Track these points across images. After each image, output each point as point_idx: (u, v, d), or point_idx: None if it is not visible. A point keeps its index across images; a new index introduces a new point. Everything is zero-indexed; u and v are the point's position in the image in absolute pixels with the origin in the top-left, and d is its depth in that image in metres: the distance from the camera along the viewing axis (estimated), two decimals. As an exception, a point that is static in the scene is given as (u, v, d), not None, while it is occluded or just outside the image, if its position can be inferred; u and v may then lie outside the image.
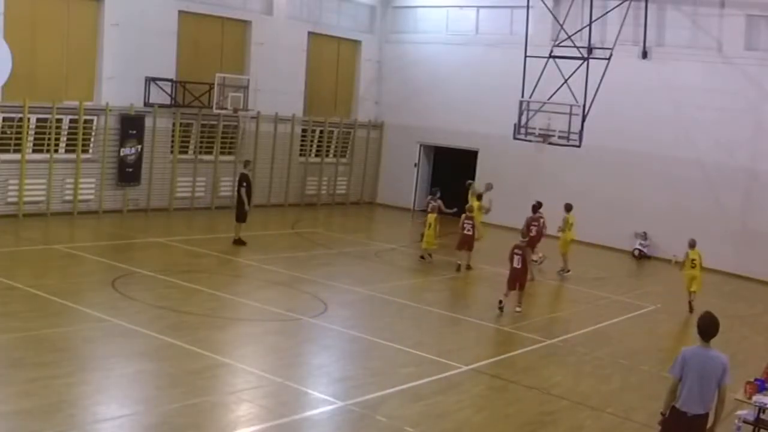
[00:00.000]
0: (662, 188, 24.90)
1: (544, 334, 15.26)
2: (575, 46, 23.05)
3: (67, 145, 22.52)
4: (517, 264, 16.27)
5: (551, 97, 23.15)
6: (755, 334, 17.10)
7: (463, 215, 20.62)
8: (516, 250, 16.40)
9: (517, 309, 16.36)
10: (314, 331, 14.00)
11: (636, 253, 25.17)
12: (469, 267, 20.51)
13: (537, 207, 21.02)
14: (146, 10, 23.52)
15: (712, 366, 7.71)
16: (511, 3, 27.16)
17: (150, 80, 23.86)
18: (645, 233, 25.22)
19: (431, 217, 20.93)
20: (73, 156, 22.51)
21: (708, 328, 7.81)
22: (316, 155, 29.77)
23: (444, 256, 22.19)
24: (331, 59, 30.05)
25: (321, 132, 29.68)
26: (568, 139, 22.52)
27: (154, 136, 24.28)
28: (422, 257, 21.21)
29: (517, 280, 16.29)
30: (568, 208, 21.45)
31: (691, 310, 18.19)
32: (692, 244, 18.69)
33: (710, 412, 7.91)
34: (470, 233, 20.20)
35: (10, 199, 21.35)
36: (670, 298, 19.77)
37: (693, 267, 18.44)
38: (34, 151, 21.84)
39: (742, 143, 23.53)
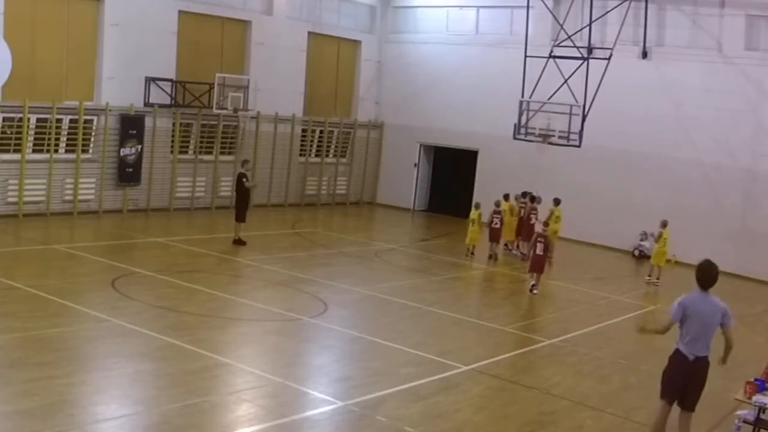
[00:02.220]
0: (662, 188, 24.90)
1: (544, 334, 15.26)
2: (575, 46, 23.06)
3: (67, 145, 22.53)
4: (539, 251, 17.89)
5: (551, 97, 23.15)
6: (755, 334, 17.08)
7: (492, 210, 22.25)
8: (539, 239, 18.11)
9: (534, 291, 17.98)
10: (314, 331, 13.99)
11: (636, 253, 25.15)
12: (495, 257, 22.18)
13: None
14: (146, 10, 23.53)
15: (712, 311, 7.84)
16: (511, 3, 27.16)
17: (150, 80, 23.86)
18: (648, 233, 25.14)
19: (475, 213, 22.20)
20: (73, 156, 22.52)
21: (707, 275, 7.88)
22: (316, 155, 29.78)
23: (446, 256, 22.22)
24: (331, 59, 30.05)
25: (321, 132, 29.68)
26: (568, 139, 22.55)
27: (154, 136, 24.29)
28: (471, 253, 22.20)
29: (539, 265, 17.91)
30: (557, 202, 22.98)
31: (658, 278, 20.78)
32: (665, 224, 20.99)
33: (710, 354, 7.98)
34: (498, 227, 22.04)
35: (10, 199, 21.35)
36: (670, 298, 19.75)
37: (664, 245, 20.75)
38: (34, 151, 21.84)
39: (742, 143, 23.53)
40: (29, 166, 21.61)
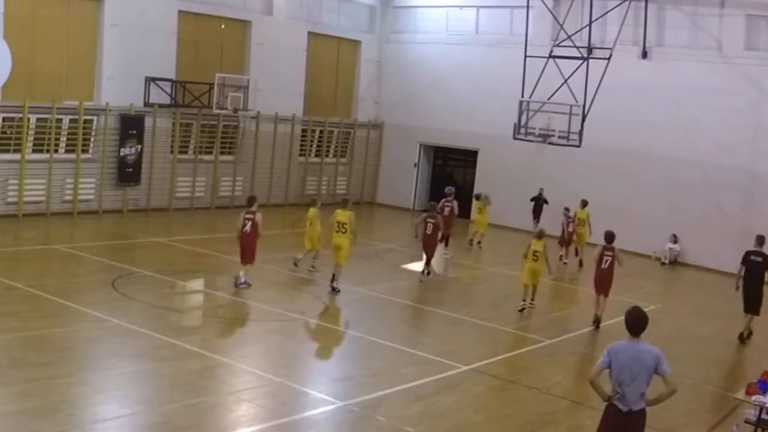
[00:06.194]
0: (662, 188, 24.88)
1: (544, 334, 15.25)
2: (575, 46, 23.04)
3: (67, 145, 22.52)
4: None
5: (551, 97, 23.13)
6: (755, 334, 17.06)
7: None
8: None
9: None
10: (314, 331, 13.99)
11: (665, 259, 24.45)
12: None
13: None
14: (146, 10, 23.52)
15: (643, 360, 7.57)
16: (511, 3, 27.15)
17: (150, 80, 23.86)
18: (675, 236, 24.54)
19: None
20: (73, 156, 22.51)
21: (637, 322, 7.70)
22: (316, 155, 29.78)
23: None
24: (331, 59, 30.05)
25: (321, 132, 29.68)
26: (568, 139, 22.53)
27: (154, 136, 24.29)
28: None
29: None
30: (584, 203, 23.02)
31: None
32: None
33: (645, 406, 7.73)
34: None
35: (10, 199, 21.34)
36: (670, 298, 19.78)
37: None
38: (34, 151, 21.84)
39: (742, 143, 23.52)
40: (29, 166, 21.60)
